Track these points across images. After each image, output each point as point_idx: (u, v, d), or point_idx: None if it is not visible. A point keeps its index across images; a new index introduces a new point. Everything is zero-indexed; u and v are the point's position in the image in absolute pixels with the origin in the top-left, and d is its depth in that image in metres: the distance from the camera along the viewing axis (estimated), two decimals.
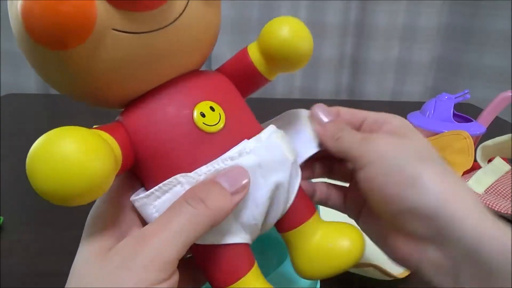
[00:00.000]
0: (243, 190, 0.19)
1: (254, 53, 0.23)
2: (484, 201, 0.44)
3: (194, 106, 0.20)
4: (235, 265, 0.20)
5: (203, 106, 0.20)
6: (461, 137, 0.55)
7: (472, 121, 0.63)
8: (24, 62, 1.05)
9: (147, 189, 0.20)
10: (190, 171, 0.19)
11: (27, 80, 1.04)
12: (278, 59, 0.22)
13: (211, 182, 0.19)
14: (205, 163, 0.19)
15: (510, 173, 0.49)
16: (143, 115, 0.20)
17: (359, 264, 0.34)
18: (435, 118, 0.63)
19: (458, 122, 0.63)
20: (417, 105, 0.72)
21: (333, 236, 0.23)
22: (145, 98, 0.20)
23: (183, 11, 0.17)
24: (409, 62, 1.07)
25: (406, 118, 0.65)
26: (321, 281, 0.33)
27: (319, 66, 1.05)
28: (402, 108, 0.80)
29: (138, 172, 0.21)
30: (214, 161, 0.20)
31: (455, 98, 0.63)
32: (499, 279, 0.18)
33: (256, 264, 0.22)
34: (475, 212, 0.19)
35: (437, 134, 0.59)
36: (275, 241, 0.32)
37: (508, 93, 0.61)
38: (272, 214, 0.22)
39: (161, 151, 0.19)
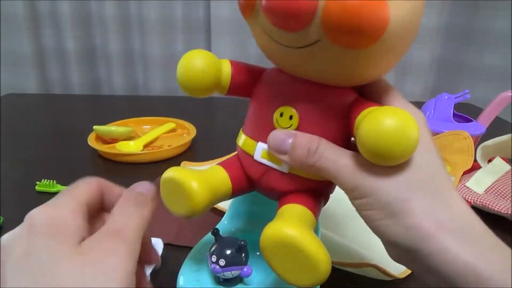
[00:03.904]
0: (154, 196, 0.23)
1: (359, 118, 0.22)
2: (484, 201, 0.44)
3: (282, 105, 0.25)
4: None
5: (287, 110, 0.25)
6: (461, 137, 0.54)
7: (472, 121, 0.63)
8: (24, 62, 1.06)
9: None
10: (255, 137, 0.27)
11: (27, 80, 1.04)
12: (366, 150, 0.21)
13: (131, 190, 0.23)
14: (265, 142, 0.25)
15: (510, 173, 0.49)
16: (269, 79, 0.27)
17: (359, 264, 0.34)
18: (435, 118, 0.63)
19: (458, 122, 0.63)
20: (417, 105, 0.72)
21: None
22: (284, 74, 0.25)
23: (313, 44, 0.21)
24: (409, 62, 1.07)
25: None
26: None
27: None
28: None
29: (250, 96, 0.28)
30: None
31: (455, 98, 0.63)
32: None
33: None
34: (458, 243, 0.20)
35: (437, 134, 0.59)
36: None
37: (508, 93, 0.61)
38: None
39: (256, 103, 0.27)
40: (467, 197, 0.46)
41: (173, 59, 1.08)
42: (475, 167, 0.52)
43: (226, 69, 0.27)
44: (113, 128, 0.64)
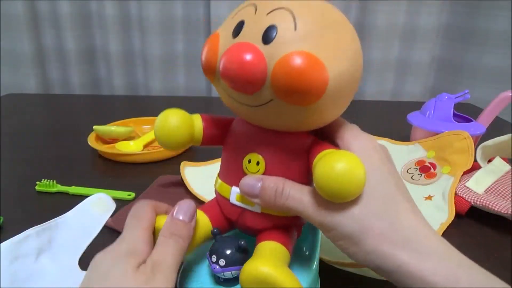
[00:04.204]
0: (194, 216, 0.28)
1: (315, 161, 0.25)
2: (484, 201, 0.44)
3: (249, 153, 0.28)
4: None
5: (254, 156, 0.27)
6: (461, 137, 0.55)
7: (472, 121, 0.63)
8: (24, 62, 1.06)
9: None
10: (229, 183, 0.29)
11: (27, 80, 1.04)
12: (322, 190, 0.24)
13: (174, 218, 0.27)
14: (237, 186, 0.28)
15: (510, 173, 0.49)
16: (236, 130, 0.29)
17: (359, 264, 0.34)
18: (435, 118, 0.63)
19: (458, 122, 0.63)
20: (417, 105, 0.72)
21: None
22: (249, 125, 0.28)
23: (267, 103, 0.24)
24: (409, 62, 1.07)
25: (406, 118, 0.66)
26: (321, 281, 0.33)
27: None
28: (402, 108, 0.80)
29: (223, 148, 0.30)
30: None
31: (455, 98, 0.63)
32: None
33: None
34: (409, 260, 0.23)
35: (437, 134, 0.59)
36: None
37: (508, 93, 0.61)
38: None
39: (228, 149, 0.30)
40: (467, 197, 0.46)
41: (173, 59, 1.08)
42: (475, 167, 0.52)
43: (198, 124, 0.29)
44: (113, 128, 0.64)
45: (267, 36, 0.23)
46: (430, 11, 1.01)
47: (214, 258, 0.28)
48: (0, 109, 0.84)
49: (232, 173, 0.29)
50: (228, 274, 0.28)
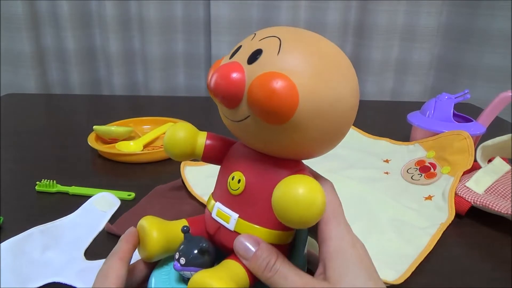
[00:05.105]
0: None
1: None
2: (484, 201, 0.44)
3: (234, 171, 0.29)
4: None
5: (237, 174, 0.28)
6: (461, 137, 0.55)
7: (472, 121, 0.63)
8: (24, 62, 1.06)
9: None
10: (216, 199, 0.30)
11: (27, 80, 1.04)
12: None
13: None
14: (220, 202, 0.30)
15: (510, 173, 0.49)
16: (232, 150, 0.31)
17: None
18: (435, 118, 0.63)
19: (458, 122, 0.63)
20: (417, 105, 0.72)
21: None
22: (242, 146, 0.30)
23: (245, 119, 0.25)
24: (409, 62, 1.07)
25: (406, 118, 0.66)
26: None
27: None
28: (402, 108, 0.80)
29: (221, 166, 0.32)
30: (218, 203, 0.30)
31: (455, 98, 0.63)
32: None
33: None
34: None
35: (437, 134, 0.59)
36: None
37: (508, 93, 0.61)
38: None
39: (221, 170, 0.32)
40: (467, 197, 0.46)
41: (173, 59, 1.08)
42: (475, 167, 0.52)
43: (201, 141, 0.32)
44: (113, 128, 0.64)
45: (252, 57, 0.25)
46: (430, 11, 1.01)
47: (177, 255, 0.28)
48: (0, 109, 0.84)
49: (218, 189, 0.31)
50: (187, 273, 0.28)
